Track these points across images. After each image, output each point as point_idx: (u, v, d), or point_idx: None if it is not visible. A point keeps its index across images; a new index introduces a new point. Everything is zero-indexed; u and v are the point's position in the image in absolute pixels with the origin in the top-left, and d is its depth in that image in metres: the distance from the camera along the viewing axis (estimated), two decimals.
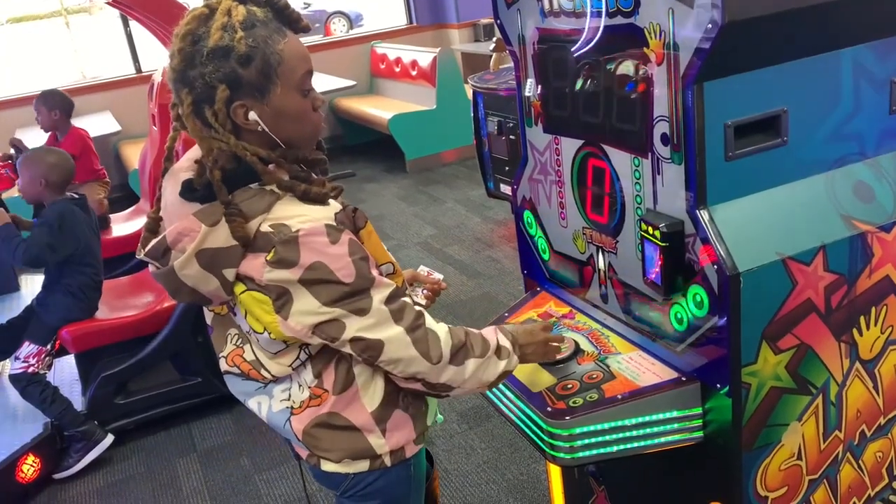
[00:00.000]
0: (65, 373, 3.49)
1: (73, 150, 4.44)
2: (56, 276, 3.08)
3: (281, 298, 1.28)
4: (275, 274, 1.26)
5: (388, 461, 1.46)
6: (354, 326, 1.30)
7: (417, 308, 1.38)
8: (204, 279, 1.29)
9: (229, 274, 1.29)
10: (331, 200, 1.34)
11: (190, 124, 1.27)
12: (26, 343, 3.06)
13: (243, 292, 1.32)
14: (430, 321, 1.38)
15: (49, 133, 4.61)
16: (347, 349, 1.33)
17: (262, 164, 1.28)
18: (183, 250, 1.28)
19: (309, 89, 1.32)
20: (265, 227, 1.26)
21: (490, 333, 1.48)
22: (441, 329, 1.39)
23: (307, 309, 1.28)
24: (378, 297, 1.31)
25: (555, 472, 2.15)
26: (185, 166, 1.36)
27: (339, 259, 1.27)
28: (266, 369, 1.41)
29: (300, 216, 1.26)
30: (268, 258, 1.25)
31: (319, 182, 1.35)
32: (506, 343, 1.48)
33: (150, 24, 3.72)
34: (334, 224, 1.28)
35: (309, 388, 1.41)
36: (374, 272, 1.33)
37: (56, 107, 4.46)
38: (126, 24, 6.70)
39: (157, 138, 3.90)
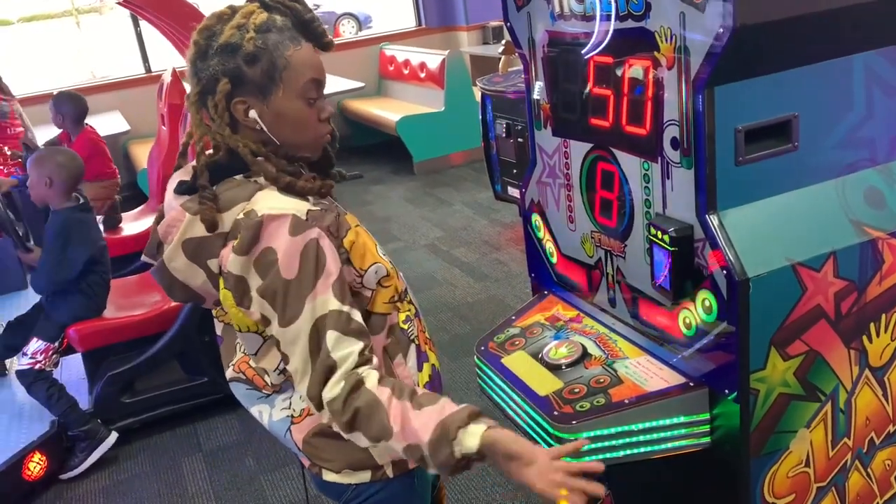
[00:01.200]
0: (72, 371, 3.50)
1: (82, 152, 4.44)
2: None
3: (238, 289, 1.27)
4: (236, 259, 1.25)
5: (389, 472, 1.44)
6: (275, 326, 1.27)
7: (345, 351, 1.23)
8: (192, 272, 1.31)
9: (213, 265, 1.30)
10: (311, 198, 1.32)
11: (192, 112, 1.32)
12: (34, 339, 3.07)
13: (223, 288, 1.32)
14: (369, 384, 1.23)
15: (61, 131, 4.63)
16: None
17: (252, 156, 1.30)
18: (171, 242, 1.30)
19: (315, 98, 1.33)
20: (240, 215, 1.27)
21: (424, 434, 1.21)
22: (340, 389, 1.22)
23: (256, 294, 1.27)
24: (308, 312, 1.23)
25: None
26: (188, 169, 1.38)
27: (290, 251, 1.23)
28: (268, 375, 1.41)
29: (273, 205, 1.26)
30: (234, 244, 1.26)
31: (307, 178, 1.35)
32: (437, 457, 1.21)
33: (161, 25, 3.73)
34: (303, 218, 1.26)
35: None
36: (327, 291, 1.24)
37: (62, 111, 4.44)
38: (136, 24, 6.72)
39: (165, 138, 3.92)
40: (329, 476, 1.46)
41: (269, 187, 1.30)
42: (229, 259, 1.27)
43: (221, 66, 1.27)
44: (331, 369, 1.23)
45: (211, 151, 1.32)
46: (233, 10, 1.30)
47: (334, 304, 1.25)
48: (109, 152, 4.75)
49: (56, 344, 3.09)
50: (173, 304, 3.25)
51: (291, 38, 1.30)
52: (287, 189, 1.30)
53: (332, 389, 1.23)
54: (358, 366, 1.24)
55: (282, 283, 1.23)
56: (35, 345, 3.06)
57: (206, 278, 1.32)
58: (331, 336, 1.23)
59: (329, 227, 1.29)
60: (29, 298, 3.89)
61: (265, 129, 1.31)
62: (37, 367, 3.04)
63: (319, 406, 1.26)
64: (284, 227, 1.24)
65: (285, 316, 1.24)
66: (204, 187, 1.27)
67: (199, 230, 1.28)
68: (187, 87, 1.36)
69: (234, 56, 1.27)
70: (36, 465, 2.95)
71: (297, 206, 1.28)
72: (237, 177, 1.31)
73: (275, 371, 1.40)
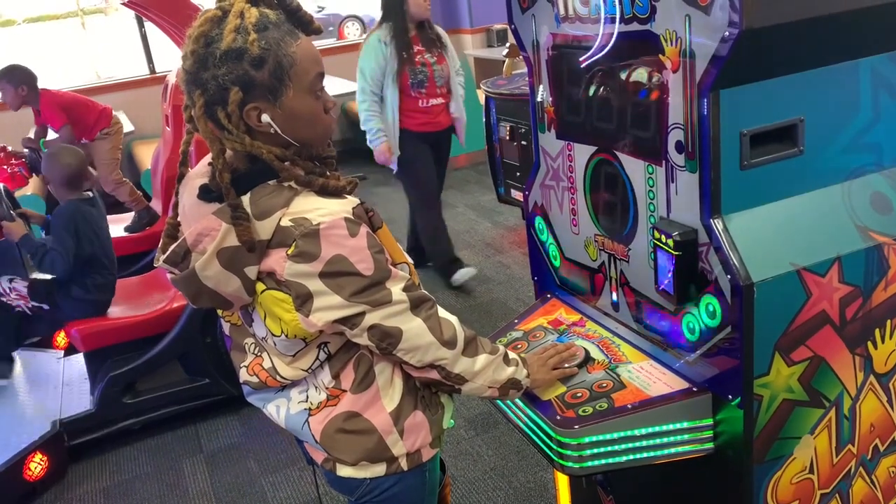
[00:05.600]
0: (73, 371, 3.50)
1: (59, 117, 4.35)
2: (73, 275, 3.10)
3: (301, 296, 1.28)
4: (296, 268, 1.26)
5: (404, 464, 1.45)
6: (374, 316, 1.31)
7: (431, 296, 1.40)
8: (225, 279, 1.29)
9: (251, 272, 1.29)
10: (346, 195, 1.34)
11: (202, 126, 1.27)
12: (26, 283, 3.12)
13: (263, 291, 1.31)
14: (442, 310, 1.40)
15: (21, 108, 4.47)
16: (364, 339, 1.33)
17: (279, 161, 1.28)
18: (203, 251, 1.28)
19: (321, 91, 1.32)
20: (285, 222, 1.26)
21: (497, 345, 1.51)
22: (453, 318, 1.42)
23: (329, 304, 1.28)
24: (396, 287, 1.32)
25: (562, 481, 2.13)
26: (200, 171, 1.37)
27: (359, 252, 1.27)
28: (281, 375, 1.41)
29: (319, 209, 1.27)
30: (289, 252, 1.25)
31: (335, 177, 1.35)
32: (514, 356, 1.52)
33: (165, 25, 3.73)
34: (352, 217, 1.28)
35: (326, 389, 1.41)
36: (390, 265, 1.34)
37: (23, 82, 4.32)
38: (141, 25, 6.73)
39: (170, 139, 3.92)
40: (344, 471, 1.46)
41: (305, 191, 1.29)
42: (287, 267, 1.26)
43: (229, 74, 1.22)
44: (437, 315, 1.38)
45: (224, 158, 1.27)
46: (224, 11, 1.25)
47: (402, 273, 1.36)
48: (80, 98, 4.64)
49: (33, 304, 3.12)
50: (176, 304, 3.25)
51: (289, 33, 1.27)
52: (322, 191, 1.30)
53: (453, 320, 1.41)
54: None
55: (367, 280, 1.28)
56: (21, 287, 3.11)
57: (241, 285, 1.30)
58: (423, 293, 1.38)
59: (370, 217, 1.35)
60: None
61: (279, 131, 1.29)
62: (2, 297, 3.08)
63: (453, 345, 1.38)
64: (343, 231, 1.26)
65: (380, 301, 1.31)
66: (236, 206, 1.24)
67: (237, 239, 1.26)
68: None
69: (240, 62, 1.22)
70: (37, 466, 2.95)
71: (343, 207, 1.29)
72: (269, 183, 1.29)
73: (306, 369, 1.40)
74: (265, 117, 1.27)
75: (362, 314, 1.30)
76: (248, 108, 1.26)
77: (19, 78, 4.34)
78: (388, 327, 1.32)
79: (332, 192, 1.31)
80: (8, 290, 3.11)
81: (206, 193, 1.31)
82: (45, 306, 3.14)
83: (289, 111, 1.28)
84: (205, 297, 1.33)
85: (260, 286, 1.31)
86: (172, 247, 1.32)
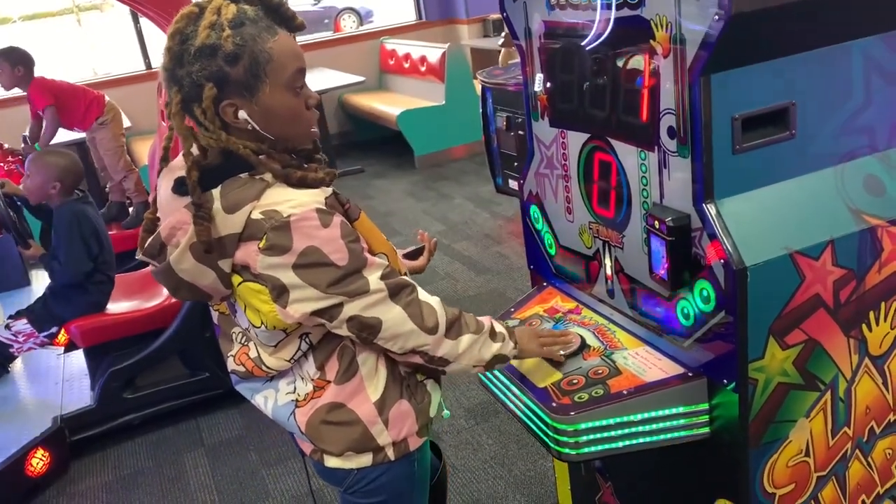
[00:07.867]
0: (74, 367, 3.51)
1: (44, 98, 4.31)
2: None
3: (277, 288, 1.28)
4: (269, 261, 1.26)
5: (391, 454, 1.46)
6: (353, 307, 1.30)
7: (410, 281, 1.39)
8: (200, 272, 1.29)
9: (225, 265, 1.29)
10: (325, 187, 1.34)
11: (176, 122, 1.27)
12: (24, 320, 3.05)
13: (240, 284, 1.32)
14: (423, 294, 1.39)
15: (13, 88, 4.46)
16: (344, 330, 1.33)
17: (255, 156, 1.28)
18: (177, 244, 1.28)
19: (301, 87, 1.31)
20: (256, 215, 1.25)
21: (484, 318, 1.50)
22: (434, 301, 1.41)
23: (306, 296, 1.28)
24: (373, 276, 1.31)
25: (561, 468, 2.14)
26: (179, 164, 1.36)
27: (332, 242, 1.27)
28: (266, 366, 1.41)
29: (290, 201, 1.26)
30: (260, 245, 1.25)
31: (313, 168, 1.34)
32: (501, 329, 1.50)
33: (160, 21, 3.72)
34: (324, 208, 1.28)
35: (312, 380, 1.42)
36: (366, 253, 1.33)
37: (20, 63, 4.31)
38: (136, 21, 6.72)
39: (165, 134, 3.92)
40: (331, 461, 1.46)
41: (276, 184, 1.28)
42: (260, 261, 1.26)
43: (203, 70, 1.22)
44: (417, 300, 1.37)
45: (196, 155, 1.27)
46: (200, 8, 1.25)
47: (379, 261, 1.35)
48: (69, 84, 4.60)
49: (43, 336, 3.08)
50: (175, 300, 3.25)
51: (267, 28, 1.26)
52: (301, 183, 1.29)
53: (434, 302, 1.40)
54: None
55: (342, 270, 1.28)
56: (22, 325, 3.04)
57: (216, 278, 1.30)
58: (401, 279, 1.37)
59: (346, 209, 1.35)
60: (31, 295, 3.90)
61: (257, 127, 1.28)
62: (12, 349, 3.03)
63: (435, 330, 1.37)
64: (315, 222, 1.25)
65: (357, 291, 1.30)
66: (200, 205, 1.24)
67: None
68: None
69: (213, 58, 1.22)
70: (39, 462, 2.96)
71: (315, 198, 1.28)
72: (241, 176, 1.28)
73: (288, 359, 1.40)
74: (242, 114, 1.27)
75: (340, 305, 1.29)
76: (223, 104, 1.25)
77: (17, 58, 4.32)
78: (366, 318, 1.31)
79: (310, 184, 1.30)
80: (13, 338, 3.04)
81: (180, 186, 1.31)
82: (55, 328, 3.12)
83: (266, 107, 1.27)
84: (184, 289, 1.33)
85: (237, 278, 1.31)
86: (149, 239, 1.33)
